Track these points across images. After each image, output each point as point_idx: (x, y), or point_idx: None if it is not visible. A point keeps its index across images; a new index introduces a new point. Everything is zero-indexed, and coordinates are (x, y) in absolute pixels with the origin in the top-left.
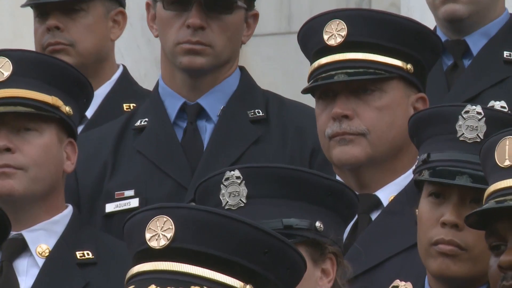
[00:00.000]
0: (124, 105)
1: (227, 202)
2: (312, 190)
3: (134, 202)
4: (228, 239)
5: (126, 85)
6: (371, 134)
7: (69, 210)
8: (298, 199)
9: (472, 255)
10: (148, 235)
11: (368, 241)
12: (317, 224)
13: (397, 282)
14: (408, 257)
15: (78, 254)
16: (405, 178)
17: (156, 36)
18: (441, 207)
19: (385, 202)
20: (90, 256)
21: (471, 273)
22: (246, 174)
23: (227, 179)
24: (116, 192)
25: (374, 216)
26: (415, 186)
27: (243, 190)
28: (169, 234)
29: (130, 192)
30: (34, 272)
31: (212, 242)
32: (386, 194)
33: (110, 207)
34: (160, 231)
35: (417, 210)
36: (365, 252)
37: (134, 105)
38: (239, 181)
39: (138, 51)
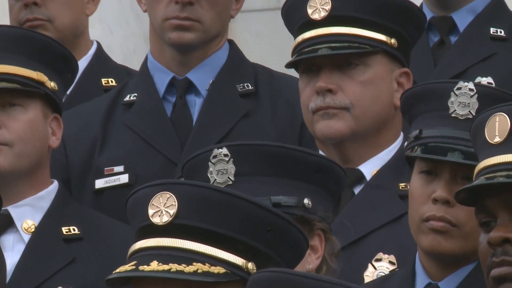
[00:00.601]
0: (103, 80)
1: (215, 180)
2: (300, 167)
3: (124, 178)
4: (231, 216)
5: (102, 60)
6: (355, 108)
7: (54, 185)
8: (286, 176)
9: (463, 231)
10: (151, 211)
11: (351, 215)
12: (305, 201)
13: (380, 255)
14: (391, 230)
15: (64, 229)
16: (389, 152)
17: (145, 11)
18: (432, 184)
19: (368, 176)
20: (76, 231)
21: (462, 250)
22: (234, 151)
23: (214, 156)
24: (105, 168)
25: (357, 190)
26: (407, 162)
27: (231, 168)
28: (172, 211)
29: (120, 168)
30: (20, 248)
31: (215, 219)
32: (369, 168)
33: (99, 183)
34: (163, 207)
35: (400, 185)
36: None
37: (113, 80)
38: (227, 159)
39: (127, 27)
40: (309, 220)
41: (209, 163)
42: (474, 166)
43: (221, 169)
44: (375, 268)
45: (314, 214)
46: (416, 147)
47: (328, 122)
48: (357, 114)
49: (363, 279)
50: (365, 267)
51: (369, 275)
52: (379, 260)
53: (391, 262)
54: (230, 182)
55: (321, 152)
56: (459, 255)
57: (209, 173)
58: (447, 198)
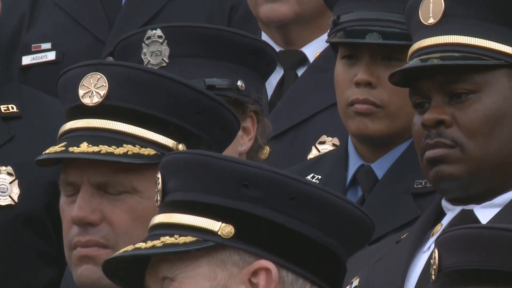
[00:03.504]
0: None
1: (149, 61)
2: (234, 49)
3: (51, 55)
4: (162, 97)
5: None
6: None
7: None
8: (220, 58)
9: (388, 111)
10: (81, 92)
11: (294, 97)
12: (239, 83)
13: (324, 137)
14: (335, 112)
15: (3, 108)
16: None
17: None
18: (354, 68)
19: (311, 58)
20: (15, 110)
21: (390, 130)
22: (168, 33)
23: (148, 38)
24: (33, 45)
25: (300, 72)
26: (332, 49)
27: (165, 49)
28: (103, 92)
29: (47, 45)
30: None
31: (146, 100)
32: (313, 50)
33: (26, 60)
34: (93, 88)
35: None
36: (291, 108)
37: None
38: (161, 40)
39: None
40: (242, 102)
41: (143, 44)
42: (393, 45)
43: (155, 51)
44: (318, 151)
45: (247, 96)
46: (336, 33)
47: (272, 6)
48: None
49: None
50: (309, 150)
51: (313, 157)
52: (322, 142)
53: (334, 145)
54: (164, 64)
55: (264, 34)
56: (387, 136)
57: (143, 54)
58: (368, 80)
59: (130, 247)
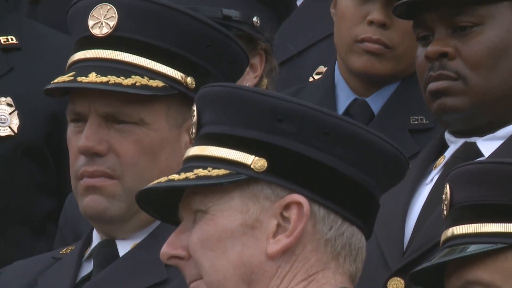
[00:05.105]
0: None
1: None
2: None
3: None
4: (171, 30)
5: None
6: None
7: None
8: None
9: (396, 53)
10: (91, 23)
11: (291, 28)
12: (254, 19)
13: (321, 68)
14: (331, 43)
15: (2, 39)
16: None
17: None
18: (367, 5)
19: None
20: (14, 41)
21: (393, 71)
22: None
23: None
24: None
25: (299, 2)
26: None
27: None
28: (112, 23)
29: None
30: None
31: (156, 32)
32: None
33: None
34: (103, 19)
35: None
36: (289, 40)
37: None
38: None
39: None
40: (255, 38)
41: None
42: None
43: None
44: None
45: (260, 34)
46: None
47: None
48: None
49: None
50: (307, 80)
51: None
52: (320, 73)
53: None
54: None
55: None
56: (389, 76)
57: None
58: (383, 21)
59: (163, 179)
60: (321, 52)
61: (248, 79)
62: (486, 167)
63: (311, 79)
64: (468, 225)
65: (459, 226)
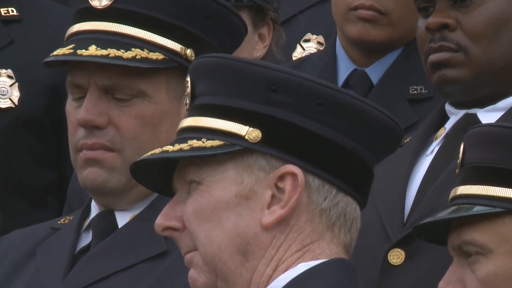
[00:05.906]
0: None
1: None
2: None
3: None
4: (170, 2)
5: None
6: None
7: None
8: None
9: (391, 19)
10: None
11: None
12: None
13: (308, 35)
14: (320, 10)
15: (2, 11)
16: None
17: None
18: None
19: None
20: (15, 13)
21: (389, 37)
22: None
23: None
24: None
25: None
26: None
27: None
28: None
29: None
30: None
31: (155, 4)
32: None
33: None
34: None
35: None
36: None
37: None
38: None
39: None
40: (264, 8)
41: None
42: None
43: None
44: (303, 49)
45: (269, 4)
46: None
47: None
48: None
49: (291, 60)
50: (294, 48)
51: (297, 55)
52: (307, 40)
53: (319, 43)
54: None
55: None
56: (387, 43)
57: None
58: None
59: (157, 150)
60: (308, 19)
61: (258, 49)
62: (497, 130)
63: (298, 46)
64: (473, 186)
65: (465, 186)
